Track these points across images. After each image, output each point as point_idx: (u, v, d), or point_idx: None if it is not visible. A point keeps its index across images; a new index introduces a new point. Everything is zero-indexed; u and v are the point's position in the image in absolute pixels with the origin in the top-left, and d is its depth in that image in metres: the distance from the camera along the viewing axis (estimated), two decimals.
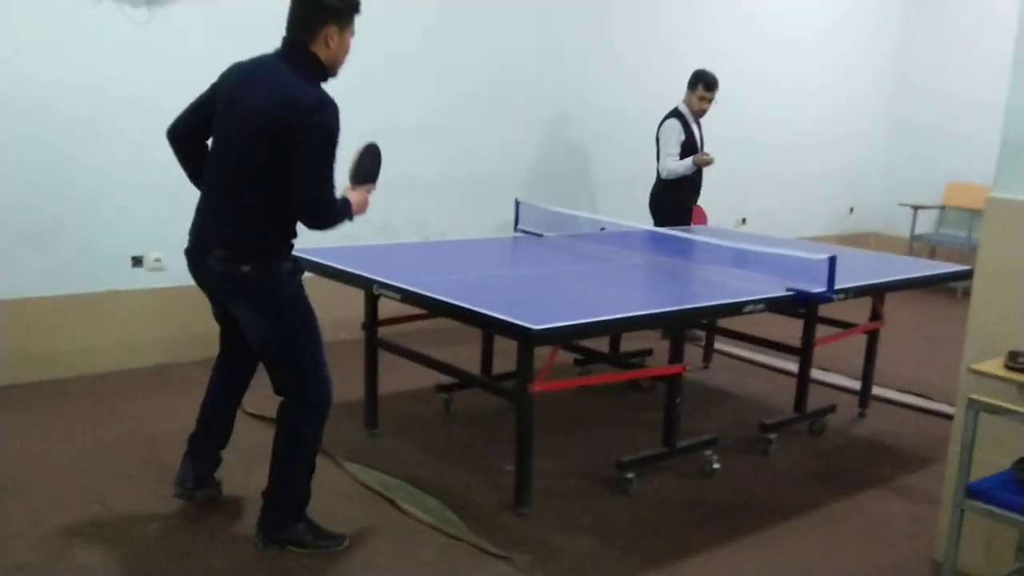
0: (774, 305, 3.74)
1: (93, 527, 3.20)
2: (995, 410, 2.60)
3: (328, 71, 2.98)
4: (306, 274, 3.24)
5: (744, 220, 7.94)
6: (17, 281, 4.57)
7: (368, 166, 3.18)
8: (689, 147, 5.95)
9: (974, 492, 2.64)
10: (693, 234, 5.29)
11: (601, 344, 4.90)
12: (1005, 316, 3.02)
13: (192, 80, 4.98)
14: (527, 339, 3.04)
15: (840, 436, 4.53)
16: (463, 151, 6.15)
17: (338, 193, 2.96)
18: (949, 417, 4.31)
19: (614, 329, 4.23)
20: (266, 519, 3.11)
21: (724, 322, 5.24)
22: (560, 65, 6.55)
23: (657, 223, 5.91)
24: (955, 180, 8.73)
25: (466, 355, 4.57)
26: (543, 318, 3.07)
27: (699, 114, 5.98)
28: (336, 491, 3.55)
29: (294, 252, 3.07)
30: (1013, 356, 2.85)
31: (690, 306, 3.65)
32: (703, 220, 5.90)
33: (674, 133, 5.89)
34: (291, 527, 3.09)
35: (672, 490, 3.77)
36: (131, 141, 4.77)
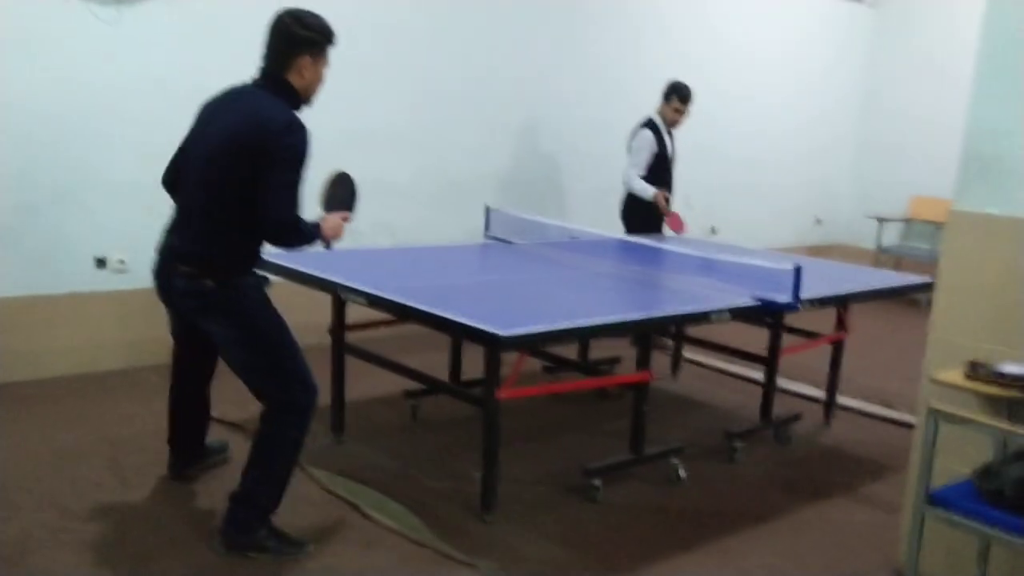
0: (740, 314, 3.76)
1: (50, 533, 3.14)
2: (954, 419, 2.64)
3: (302, 99, 3.06)
4: (273, 279, 3.23)
5: (714, 230, 8.00)
6: None
7: (342, 195, 3.28)
8: (661, 159, 5.97)
9: (935, 500, 2.66)
10: (661, 243, 5.31)
11: (570, 351, 4.91)
12: (965, 327, 3.06)
13: (160, 80, 4.97)
14: (495, 345, 3.03)
15: (805, 444, 4.56)
16: (433, 157, 6.14)
17: (313, 217, 3.03)
18: (912, 426, 4.37)
19: (581, 336, 4.24)
20: (231, 522, 3.07)
21: (692, 331, 5.29)
22: (532, 73, 6.57)
23: (629, 231, 5.92)
24: (920, 193, 8.86)
25: (435, 361, 4.55)
26: (511, 324, 3.06)
27: (672, 125, 6.01)
28: (301, 497, 3.51)
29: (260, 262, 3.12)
30: (973, 367, 2.88)
31: (657, 314, 3.65)
32: (680, 226, 5.90)
33: (646, 146, 5.88)
34: (254, 533, 3.06)
35: (639, 497, 3.78)
36: (96, 142, 4.72)
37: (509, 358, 3.31)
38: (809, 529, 3.59)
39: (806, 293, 3.81)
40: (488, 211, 5.25)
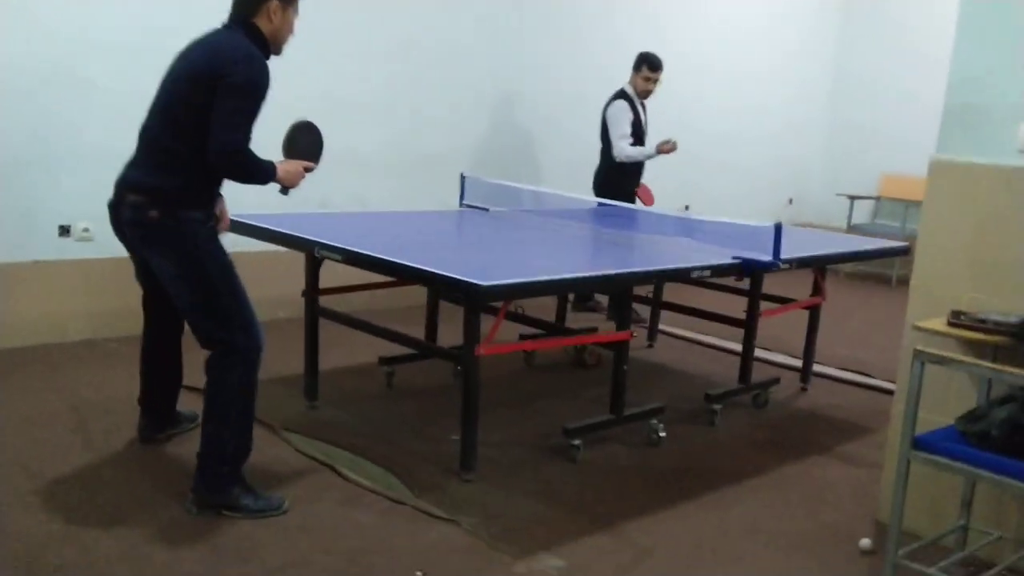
0: (721, 272, 3.73)
1: (17, 496, 3.03)
2: (940, 361, 2.62)
3: (271, 47, 3.04)
4: (247, 244, 3.14)
5: (687, 207, 7.98)
6: None
7: (305, 144, 3.21)
8: (635, 129, 5.95)
9: (921, 444, 2.65)
10: (640, 208, 5.29)
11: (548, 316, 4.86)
12: (947, 277, 3.05)
13: (121, 46, 4.85)
14: (475, 296, 2.97)
15: (783, 409, 4.56)
16: (406, 128, 6.05)
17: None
18: (888, 392, 4.40)
19: (562, 288, 4.15)
20: (200, 480, 2.99)
21: (669, 298, 5.26)
22: (506, 45, 6.50)
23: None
24: (890, 172, 8.92)
25: (410, 331, 4.45)
26: (491, 276, 3.01)
27: (644, 95, 5.99)
28: (274, 459, 3.44)
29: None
30: (955, 315, 2.88)
31: (638, 269, 3.62)
32: (650, 199, 5.88)
33: (624, 115, 5.87)
34: (226, 490, 2.98)
35: (619, 458, 3.74)
36: (61, 107, 4.60)
37: (485, 328, 3.27)
38: (790, 485, 3.58)
39: (786, 255, 3.79)
40: (463, 179, 5.18)
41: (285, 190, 3.09)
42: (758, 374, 4.62)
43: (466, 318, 3.21)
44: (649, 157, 5.94)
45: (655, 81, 5.94)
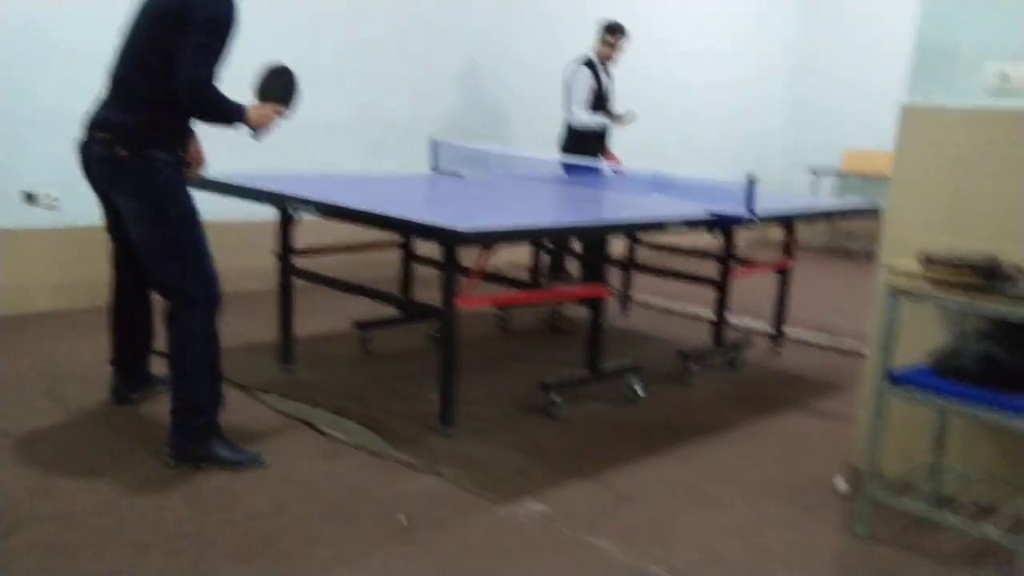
0: (696, 224, 3.74)
1: None
2: (915, 296, 2.67)
3: None
4: (215, 214, 3.07)
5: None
6: None
7: (278, 87, 3.16)
8: (598, 97, 5.98)
9: (896, 379, 2.69)
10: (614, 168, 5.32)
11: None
12: (918, 221, 3.10)
13: (88, 9, 4.75)
14: (455, 240, 2.96)
15: (756, 369, 4.61)
16: (372, 98, 6.02)
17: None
18: (857, 354, 4.47)
19: (541, 234, 4.11)
20: (175, 434, 2.96)
21: (643, 259, 5.30)
22: (472, 14, 6.49)
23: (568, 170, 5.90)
24: (852, 148, 9.04)
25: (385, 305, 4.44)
26: (470, 224, 2.99)
27: (606, 60, 6.02)
28: (251, 417, 3.41)
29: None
30: (927, 257, 2.93)
31: (614, 220, 3.63)
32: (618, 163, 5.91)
33: (585, 81, 5.91)
34: (204, 443, 2.95)
35: (598, 414, 3.76)
36: (24, 70, 4.50)
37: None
38: (765, 438, 3.62)
39: (759, 211, 3.82)
40: (435, 144, 5.16)
41: (257, 134, 3.04)
42: (731, 338, 4.66)
43: (445, 268, 3.20)
44: (602, 127, 5.96)
45: (615, 46, 5.97)
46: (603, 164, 5.85)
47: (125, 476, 2.87)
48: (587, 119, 5.90)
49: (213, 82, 2.83)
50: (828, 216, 4.77)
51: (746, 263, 4.79)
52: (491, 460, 3.20)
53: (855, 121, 8.84)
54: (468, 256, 3.25)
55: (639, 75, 6.92)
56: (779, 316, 4.92)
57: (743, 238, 4.34)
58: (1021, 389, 2.50)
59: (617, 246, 4.77)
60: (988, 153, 2.92)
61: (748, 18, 8.99)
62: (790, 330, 5.13)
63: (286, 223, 3.82)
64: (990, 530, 2.58)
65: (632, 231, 4.59)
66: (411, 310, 4.03)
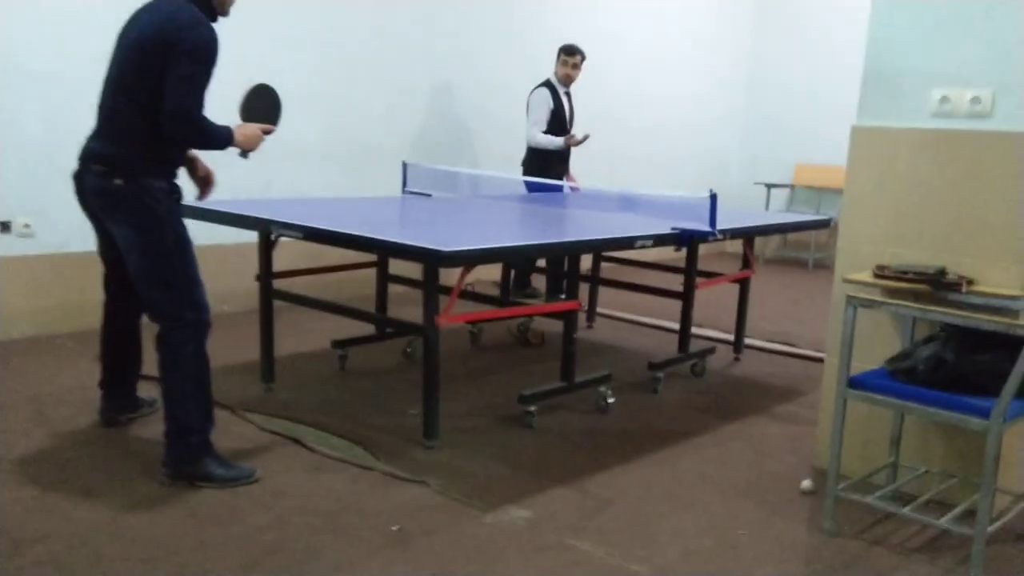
0: (662, 241, 3.92)
1: None
2: (870, 304, 2.87)
3: (217, 8, 3.10)
4: (194, 238, 3.15)
5: None
6: None
7: (262, 108, 3.28)
8: (557, 118, 6.19)
9: (855, 383, 2.89)
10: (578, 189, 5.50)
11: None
12: (870, 234, 3.31)
13: (61, 36, 4.81)
14: (437, 262, 3.10)
15: (719, 377, 4.81)
16: (342, 119, 6.13)
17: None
18: (815, 360, 4.70)
19: (518, 255, 4.27)
20: (170, 454, 3.05)
21: (608, 273, 5.48)
22: (438, 36, 6.64)
23: (530, 190, 6.08)
24: (803, 162, 9.36)
25: (360, 324, 4.55)
26: (451, 246, 3.14)
27: (566, 81, 6.23)
28: (238, 436, 3.50)
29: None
30: (880, 268, 3.15)
31: (586, 238, 3.80)
32: (577, 190, 6.11)
33: (543, 102, 6.14)
34: (197, 461, 3.05)
35: (572, 423, 3.92)
36: None
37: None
38: (732, 442, 3.81)
39: (721, 226, 4.03)
40: (405, 166, 5.30)
41: (245, 154, 3.15)
42: (693, 347, 4.86)
43: (425, 288, 3.33)
44: (557, 148, 6.16)
45: (574, 66, 6.19)
46: (564, 184, 6.06)
47: (123, 495, 2.95)
48: (542, 139, 6.11)
49: (200, 110, 2.94)
50: (783, 229, 4.98)
51: (708, 275, 5.00)
52: (474, 470, 3.34)
53: (805, 136, 9.15)
54: (445, 275, 3.40)
55: (601, 90, 7.12)
56: (740, 325, 5.13)
57: (700, 250, 4.54)
58: (968, 389, 2.71)
59: (584, 261, 4.95)
60: (933, 170, 3.14)
61: (703, 31, 9.27)
62: (750, 340, 5.34)
63: (267, 247, 3.92)
64: (946, 523, 2.78)
65: (603, 248, 4.76)
66: (392, 328, 4.15)
